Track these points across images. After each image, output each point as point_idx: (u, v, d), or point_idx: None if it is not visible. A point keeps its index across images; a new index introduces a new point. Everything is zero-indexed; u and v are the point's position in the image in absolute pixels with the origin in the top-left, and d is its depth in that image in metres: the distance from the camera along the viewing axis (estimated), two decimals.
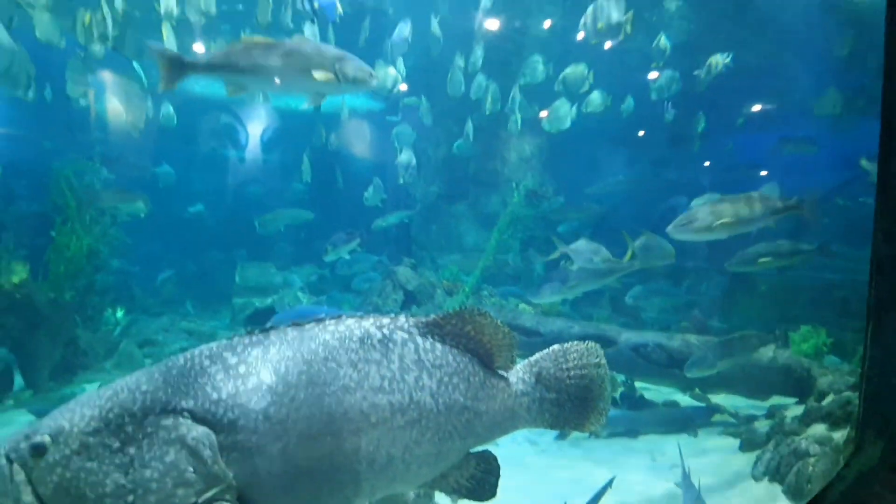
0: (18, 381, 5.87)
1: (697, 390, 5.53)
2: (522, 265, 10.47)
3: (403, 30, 7.37)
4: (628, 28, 5.84)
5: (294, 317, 5.13)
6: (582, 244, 5.22)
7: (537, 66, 8.60)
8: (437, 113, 11.02)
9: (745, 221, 4.22)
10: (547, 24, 9.55)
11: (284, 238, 11.53)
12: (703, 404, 5.47)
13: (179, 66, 3.52)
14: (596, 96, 8.33)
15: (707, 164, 12.14)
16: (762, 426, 4.65)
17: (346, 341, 1.51)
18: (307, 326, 1.52)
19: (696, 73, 7.87)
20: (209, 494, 1.29)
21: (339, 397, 1.43)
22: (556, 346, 1.80)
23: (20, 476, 1.24)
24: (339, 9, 6.13)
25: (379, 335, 1.55)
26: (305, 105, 4.00)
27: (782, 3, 8.46)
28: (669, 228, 4.36)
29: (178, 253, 11.47)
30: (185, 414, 1.34)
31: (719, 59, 7.80)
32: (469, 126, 9.27)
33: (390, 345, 1.55)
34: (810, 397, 4.51)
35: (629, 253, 4.85)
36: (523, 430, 1.85)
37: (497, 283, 9.58)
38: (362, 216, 9.38)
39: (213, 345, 1.47)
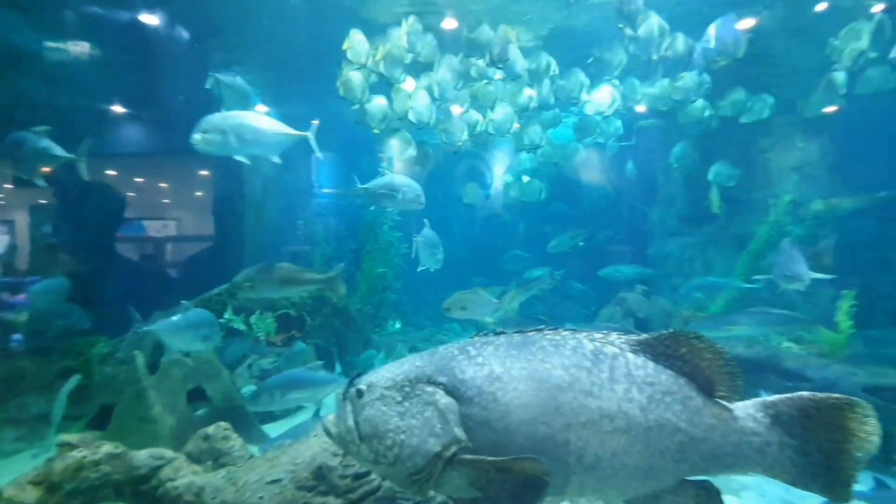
0: (338, 366, 8.40)
1: None
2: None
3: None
4: None
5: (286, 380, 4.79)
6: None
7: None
8: (679, 127, 10.43)
9: None
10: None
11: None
12: None
13: None
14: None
15: None
16: None
17: (561, 348, 1.72)
18: (530, 333, 1.79)
19: None
20: (451, 451, 1.64)
21: (553, 394, 1.64)
22: (803, 393, 1.67)
23: (349, 407, 1.78)
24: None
25: (591, 346, 1.73)
26: None
27: None
28: None
29: (436, 278, 13.93)
30: (440, 386, 1.71)
31: None
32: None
33: (601, 356, 1.70)
34: None
35: None
36: (777, 485, 1.72)
37: None
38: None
39: (463, 342, 1.86)
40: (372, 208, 9.01)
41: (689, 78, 7.64)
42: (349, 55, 6.75)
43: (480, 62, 7.04)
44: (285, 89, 11.07)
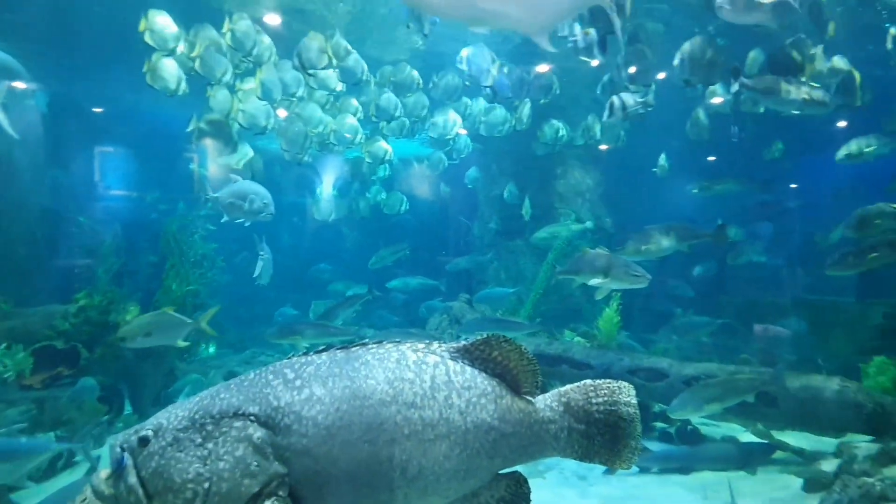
0: (128, 406, 6.90)
1: (760, 426, 5.14)
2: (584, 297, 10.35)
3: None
4: None
5: None
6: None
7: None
8: (495, 151, 11.57)
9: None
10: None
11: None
12: (764, 441, 5.09)
13: None
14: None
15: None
16: (830, 465, 4.26)
17: (384, 361, 1.68)
18: (353, 349, 1.72)
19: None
20: (270, 487, 1.51)
21: (377, 410, 1.60)
22: (587, 381, 1.86)
23: (129, 461, 1.51)
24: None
25: (414, 357, 1.72)
26: None
27: None
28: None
29: (262, 292, 12.76)
30: (252, 418, 1.56)
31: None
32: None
33: (423, 366, 1.71)
34: (888, 435, 4.06)
35: None
36: (572, 463, 1.82)
37: (558, 316, 9.53)
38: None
39: (278, 363, 1.70)
40: (223, 221, 7.84)
41: (524, 108, 8.58)
42: (148, 38, 5.78)
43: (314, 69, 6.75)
44: (69, 67, 8.95)
